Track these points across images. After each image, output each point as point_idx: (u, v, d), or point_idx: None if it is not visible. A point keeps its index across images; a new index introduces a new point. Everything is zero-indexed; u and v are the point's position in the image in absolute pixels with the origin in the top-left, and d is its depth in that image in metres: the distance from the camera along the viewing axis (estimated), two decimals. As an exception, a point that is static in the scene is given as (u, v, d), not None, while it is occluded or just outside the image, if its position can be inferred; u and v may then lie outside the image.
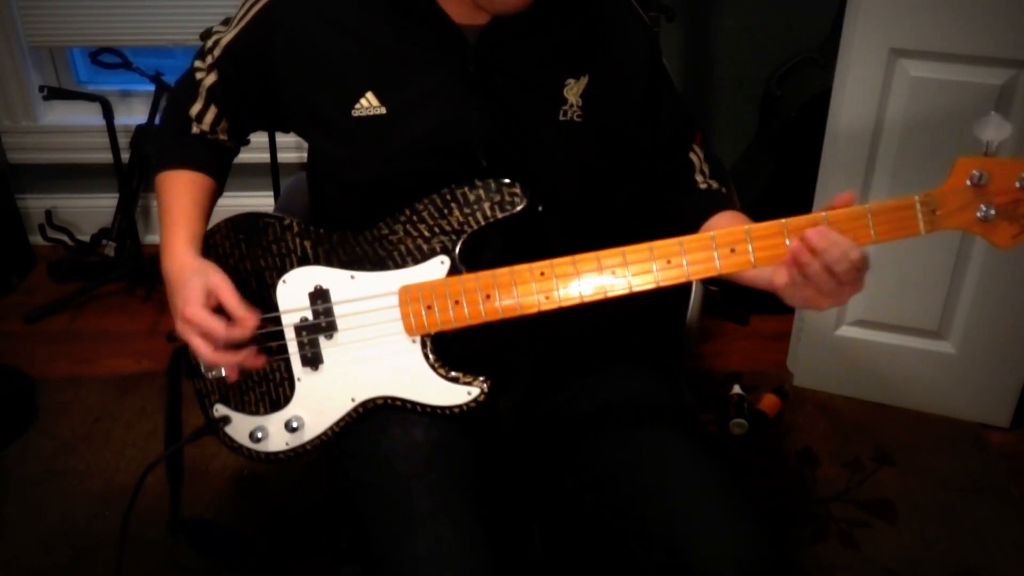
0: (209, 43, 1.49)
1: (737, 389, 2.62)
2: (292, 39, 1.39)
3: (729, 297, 2.92)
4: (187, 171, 1.51)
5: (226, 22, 1.49)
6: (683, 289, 1.90)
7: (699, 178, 1.52)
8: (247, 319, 1.37)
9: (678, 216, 1.50)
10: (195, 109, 1.50)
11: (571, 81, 1.40)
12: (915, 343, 2.55)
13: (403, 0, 1.36)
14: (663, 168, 1.51)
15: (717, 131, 3.14)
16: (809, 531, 2.24)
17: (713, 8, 2.96)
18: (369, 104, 1.37)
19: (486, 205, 1.35)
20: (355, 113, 1.38)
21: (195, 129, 1.52)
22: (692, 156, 1.52)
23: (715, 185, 1.53)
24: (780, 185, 2.81)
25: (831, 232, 1.20)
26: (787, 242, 1.23)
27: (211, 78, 1.48)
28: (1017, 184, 1.18)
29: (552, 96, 1.40)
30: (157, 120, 1.45)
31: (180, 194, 1.48)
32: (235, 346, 1.38)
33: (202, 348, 1.36)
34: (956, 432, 2.55)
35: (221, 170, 1.56)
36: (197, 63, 1.51)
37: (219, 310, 1.38)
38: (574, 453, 1.50)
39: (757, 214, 1.41)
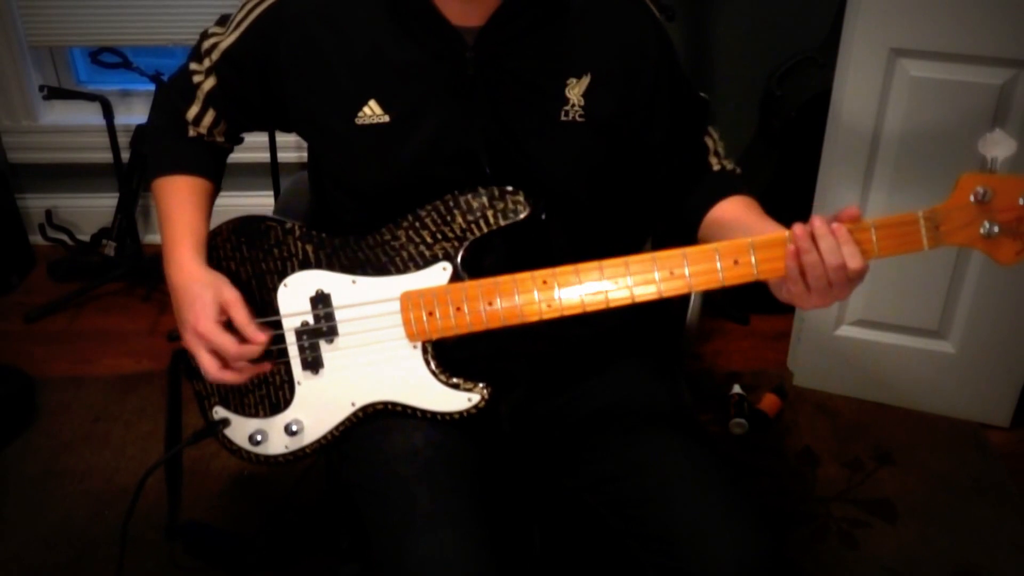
0: (206, 45, 1.47)
1: (737, 389, 2.62)
2: (295, 44, 1.38)
3: (729, 297, 2.92)
4: (186, 176, 1.50)
5: (221, 22, 1.48)
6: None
7: (713, 160, 1.51)
8: (258, 337, 1.37)
9: (689, 201, 1.49)
10: (192, 112, 1.49)
11: (572, 80, 1.39)
12: (915, 343, 2.55)
13: (401, 3, 1.36)
14: (679, 157, 1.50)
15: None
16: (809, 531, 2.25)
17: (713, 8, 2.96)
18: (372, 112, 1.37)
19: (489, 212, 1.35)
20: (358, 121, 1.37)
21: (191, 132, 1.51)
22: (707, 140, 1.52)
23: (729, 166, 1.52)
24: (780, 185, 2.81)
25: (838, 226, 1.20)
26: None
27: (209, 82, 1.47)
28: (1021, 201, 1.18)
29: (553, 96, 1.39)
30: (148, 120, 1.46)
31: (182, 201, 1.48)
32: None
33: (209, 364, 1.37)
34: (956, 432, 2.56)
35: (218, 172, 1.56)
36: (193, 65, 1.49)
37: (227, 324, 1.38)
38: (574, 455, 1.50)
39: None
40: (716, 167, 1.51)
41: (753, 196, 1.49)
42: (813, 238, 1.20)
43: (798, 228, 1.21)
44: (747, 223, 1.39)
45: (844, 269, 1.20)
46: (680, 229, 1.51)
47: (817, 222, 1.21)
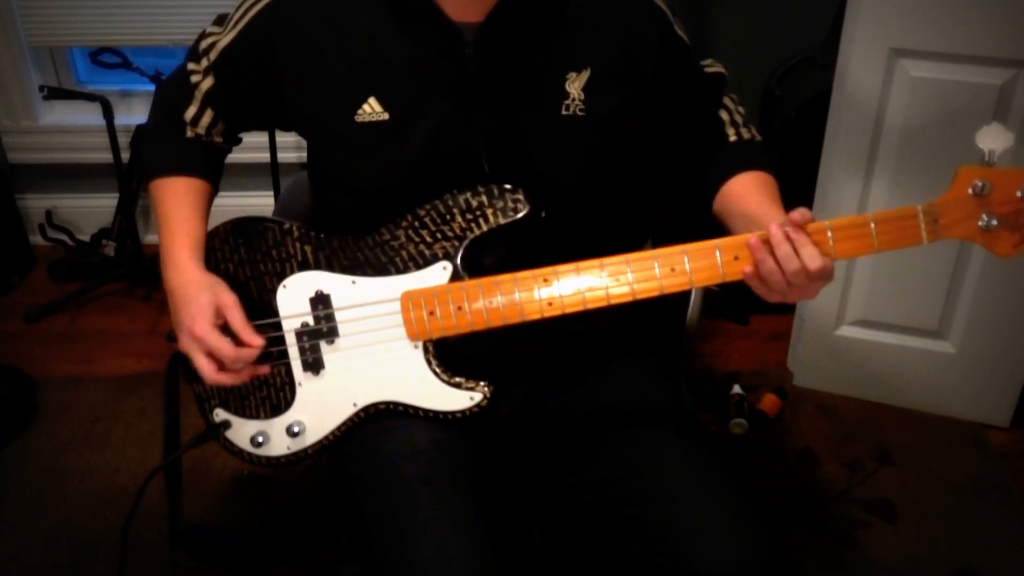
0: (204, 45, 1.47)
1: (737, 389, 2.62)
2: (293, 42, 1.38)
3: (729, 297, 2.92)
4: (184, 177, 1.50)
5: (219, 22, 1.48)
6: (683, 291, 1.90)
7: (730, 131, 1.51)
8: (254, 341, 1.37)
9: (704, 177, 1.49)
10: (190, 113, 1.49)
11: (573, 75, 1.39)
12: (915, 343, 2.55)
13: (400, 0, 1.35)
14: (695, 134, 1.50)
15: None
16: (809, 531, 2.25)
17: (713, 8, 2.96)
18: (372, 110, 1.37)
19: (489, 211, 1.35)
20: (358, 119, 1.37)
21: (189, 133, 1.51)
22: (722, 113, 1.51)
23: (747, 135, 1.51)
24: (780, 185, 2.80)
25: (794, 231, 1.22)
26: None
27: (208, 82, 1.47)
28: (1018, 194, 1.19)
29: (553, 91, 1.39)
30: (147, 120, 1.47)
31: (179, 202, 1.48)
32: None
33: (206, 367, 1.37)
34: (956, 432, 2.55)
35: (216, 173, 1.56)
36: (191, 65, 1.49)
37: (224, 327, 1.38)
38: (575, 454, 1.50)
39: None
40: (733, 138, 1.50)
41: (769, 167, 1.49)
42: (769, 246, 1.22)
43: (753, 239, 1.23)
44: (748, 212, 1.40)
45: (804, 272, 1.22)
46: (700, 205, 1.52)
47: (772, 229, 1.22)
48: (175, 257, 1.43)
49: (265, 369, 1.42)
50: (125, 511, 1.55)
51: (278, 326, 1.43)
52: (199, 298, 1.38)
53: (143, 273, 3.07)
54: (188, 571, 2.08)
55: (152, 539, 2.06)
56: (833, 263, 1.24)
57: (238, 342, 1.37)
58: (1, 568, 2.13)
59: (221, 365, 1.37)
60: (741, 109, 1.53)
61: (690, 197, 1.55)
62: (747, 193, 1.45)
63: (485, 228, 1.35)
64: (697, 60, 1.51)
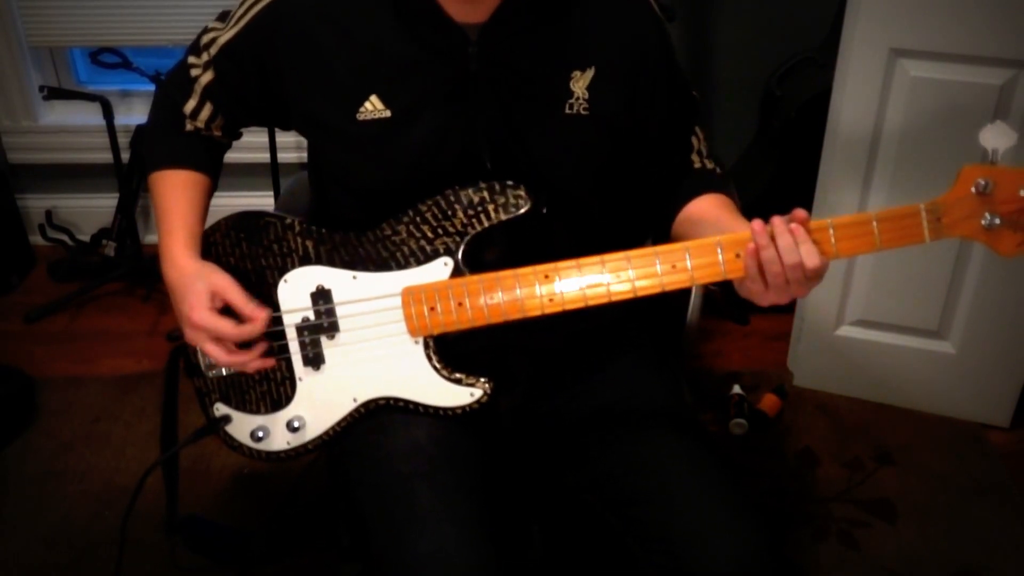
0: (205, 39, 1.47)
1: (737, 389, 2.62)
2: (295, 40, 1.38)
3: (729, 297, 2.91)
4: (182, 170, 1.50)
5: (221, 17, 1.48)
6: (683, 289, 1.90)
7: (695, 158, 1.52)
8: (257, 315, 1.37)
9: (667, 199, 1.50)
10: (189, 106, 1.49)
11: (577, 73, 1.39)
12: (915, 343, 2.55)
13: (402, 1, 1.36)
14: (666, 155, 1.50)
15: (717, 131, 3.14)
16: (809, 531, 2.25)
17: (713, 8, 2.96)
18: (374, 108, 1.37)
19: (490, 207, 1.35)
20: (360, 117, 1.37)
21: (189, 126, 1.51)
22: (693, 139, 1.52)
23: (710, 165, 1.53)
24: (780, 185, 2.81)
25: (796, 226, 1.22)
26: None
27: (207, 76, 1.47)
28: (1022, 193, 1.18)
29: (558, 90, 1.39)
30: (148, 118, 1.48)
31: (177, 195, 1.47)
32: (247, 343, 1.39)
33: (217, 352, 1.37)
34: (956, 432, 2.56)
35: (215, 166, 1.56)
36: (191, 59, 1.49)
37: (226, 310, 1.38)
38: (574, 453, 1.50)
39: (757, 214, 1.42)
40: (697, 165, 1.52)
41: (731, 195, 1.50)
42: (772, 236, 1.22)
43: (757, 224, 1.23)
44: (717, 220, 1.41)
45: (801, 267, 1.21)
46: (655, 226, 1.52)
47: (776, 220, 1.22)
48: (171, 252, 1.43)
49: (271, 362, 1.42)
50: (124, 509, 1.55)
51: (279, 320, 1.43)
52: (195, 287, 1.38)
53: (143, 273, 3.07)
54: (188, 571, 2.08)
55: (152, 539, 2.06)
56: (828, 263, 1.24)
57: (240, 322, 1.37)
58: (1, 568, 2.13)
59: (231, 347, 1.38)
60: (706, 142, 1.54)
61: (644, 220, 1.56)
62: (717, 207, 1.46)
63: (487, 224, 1.35)
64: (686, 78, 1.52)
